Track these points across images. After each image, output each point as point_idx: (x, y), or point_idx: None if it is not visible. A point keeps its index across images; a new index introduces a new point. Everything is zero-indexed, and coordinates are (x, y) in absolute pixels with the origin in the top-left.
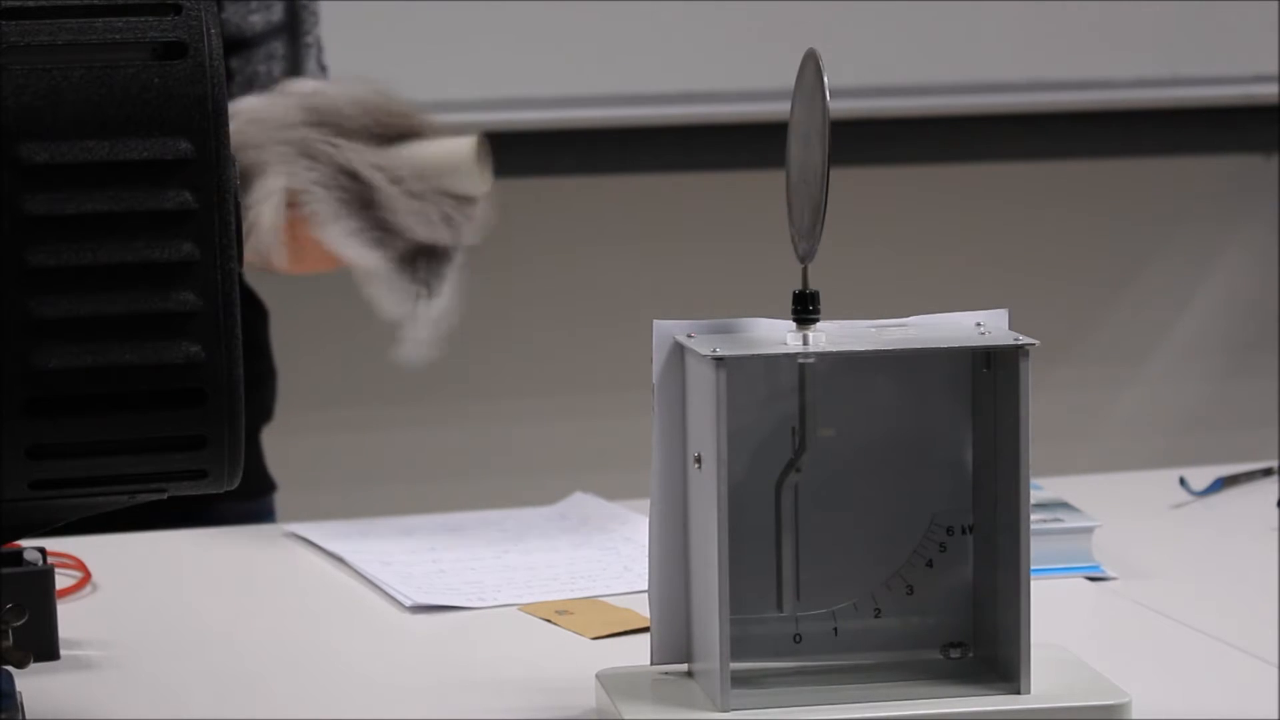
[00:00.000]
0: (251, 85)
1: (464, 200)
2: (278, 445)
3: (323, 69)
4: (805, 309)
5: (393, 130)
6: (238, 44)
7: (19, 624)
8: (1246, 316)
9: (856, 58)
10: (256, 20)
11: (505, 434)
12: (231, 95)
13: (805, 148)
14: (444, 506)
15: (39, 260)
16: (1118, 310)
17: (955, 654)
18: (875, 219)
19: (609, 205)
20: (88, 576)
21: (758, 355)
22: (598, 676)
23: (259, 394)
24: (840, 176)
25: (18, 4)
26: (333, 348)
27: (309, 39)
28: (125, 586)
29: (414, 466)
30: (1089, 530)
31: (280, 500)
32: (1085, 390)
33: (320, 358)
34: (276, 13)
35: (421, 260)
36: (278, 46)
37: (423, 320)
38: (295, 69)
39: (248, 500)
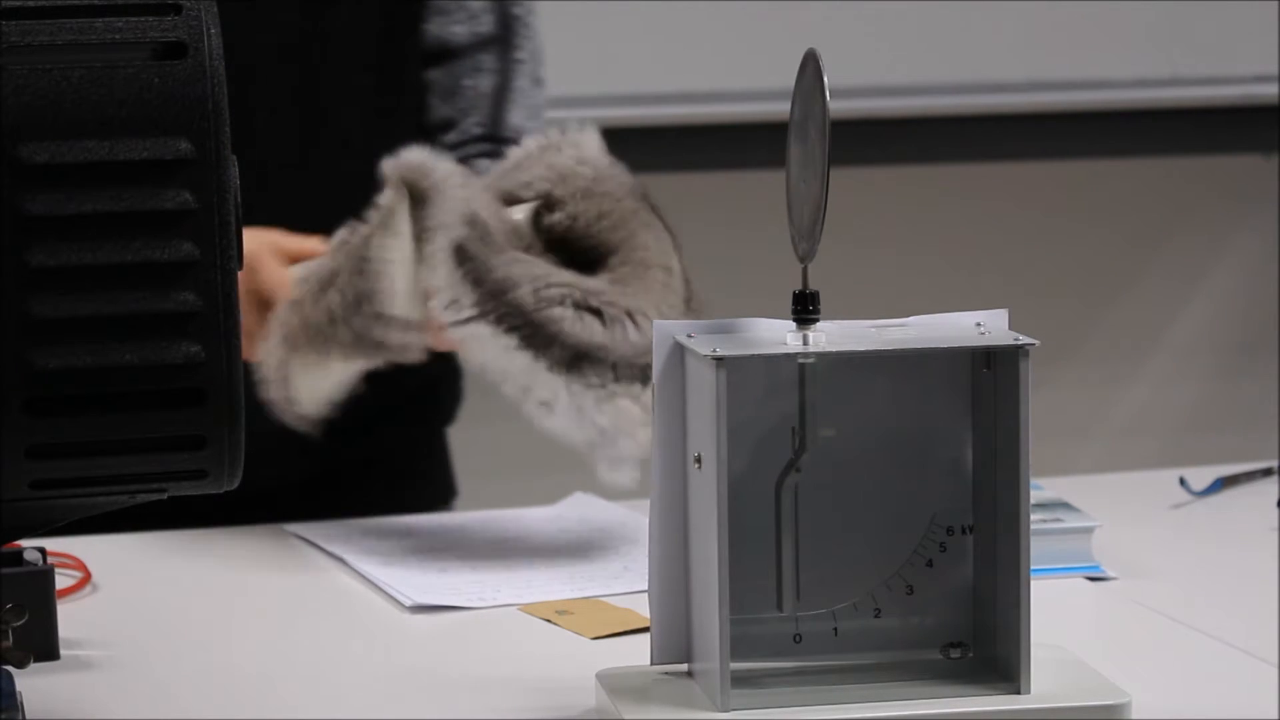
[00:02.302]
0: (454, 97)
1: None
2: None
3: (537, 83)
4: (805, 309)
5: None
6: (440, 55)
7: (19, 624)
8: (1246, 316)
9: (856, 58)
10: (460, 31)
11: (506, 434)
12: (431, 107)
13: (805, 148)
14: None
15: (39, 260)
16: (1118, 310)
17: (955, 654)
18: (875, 219)
19: None
20: (88, 576)
21: (758, 355)
22: (598, 676)
23: (447, 393)
24: (840, 176)
25: (18, 4)
26: None
27: (521, 54)
28: (125, 586)
29: None
30: (1089, 530)
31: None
32: (1085, 390)
33: None
34: (485, 24)
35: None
36: (486, 59)
37: (614, 439)
38: (505, 84)
39: (432, 509)
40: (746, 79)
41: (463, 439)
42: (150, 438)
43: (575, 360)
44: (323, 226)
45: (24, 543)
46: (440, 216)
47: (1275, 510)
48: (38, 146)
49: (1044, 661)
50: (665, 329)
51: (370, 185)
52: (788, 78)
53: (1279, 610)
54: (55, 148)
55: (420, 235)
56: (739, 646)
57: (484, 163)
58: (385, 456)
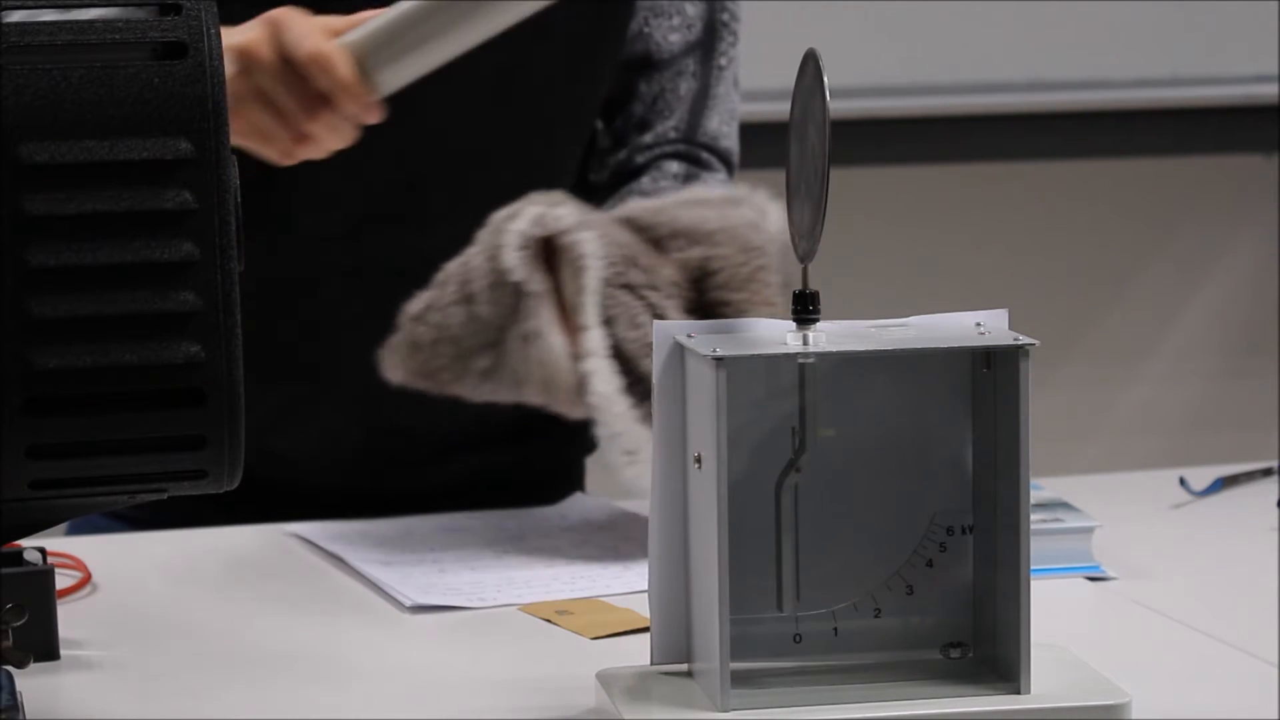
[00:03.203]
0: (654, 103)
1: None
2: None
3: (735, 87)
4: (805, 309)
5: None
6: (648, 64)
7: (19, 624)
8: (1247, 316)
9: (856, 58)
10: (676, 40)
11: None
12: (634, 114)
13: (805, 148)
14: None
15: (39, 260)
16: (1118, 310)
17: (955, 654)
18: (875, 219)
19: None
20: (88, 576)
21: (758, 355)
22: (598, 676)
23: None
24: (840, 176)
25: (18, 4)
26: None
27: (723, 60)
28: (125, 586)
29: None
30: (1089, 530)
31: None
32: (1085, 390)
33: None
34: (696, 31)
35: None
36: (689, 64)
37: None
38: (706, 89)
39: None
40: (747, 79)
41: None
42: (150, 438)
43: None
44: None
45: (24, 543)
46: (589, 250)
47: (1275, 510)
48: (38, 146)
49: (1044, 661)
50: (665, 329)
51: (563, 178)
52: (788, 78)
53: (1279, 610)
54: (55, 148)
55: (561, 291)
56: (739, 646)
57: (673, 165)
58: (521, 474)
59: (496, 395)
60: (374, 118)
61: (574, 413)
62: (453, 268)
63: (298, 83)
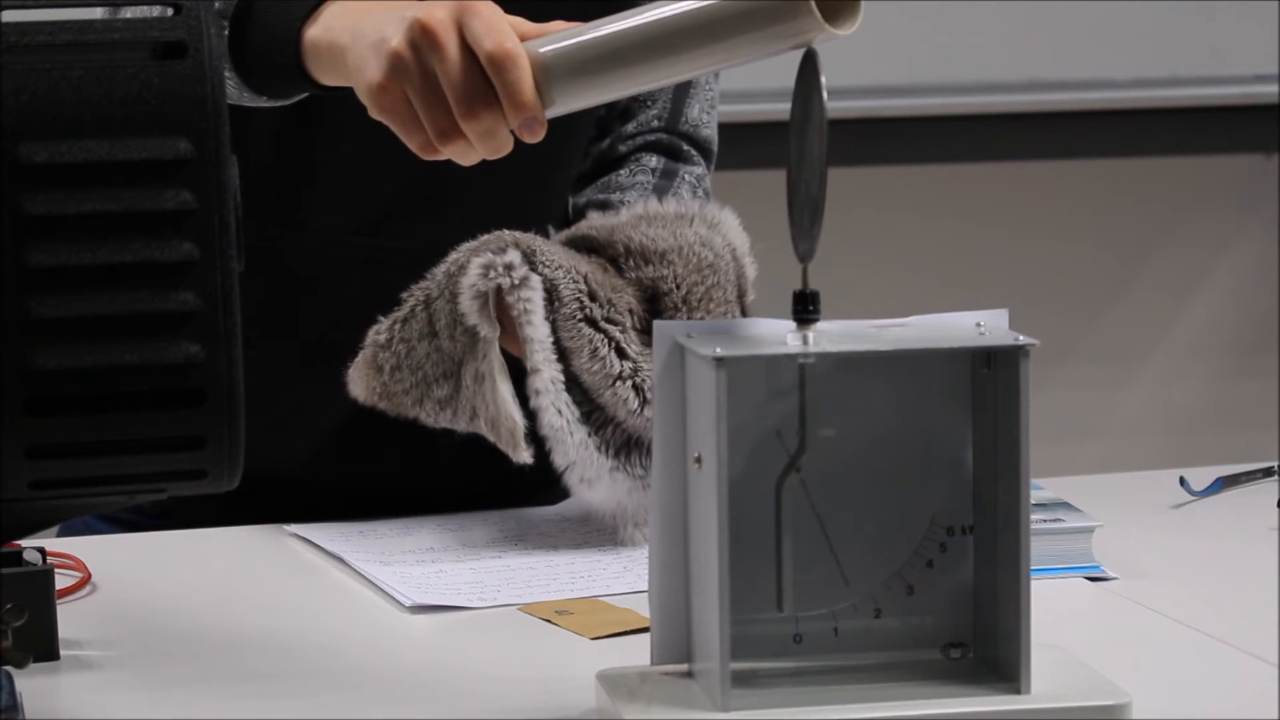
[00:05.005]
0: (628, 106)
1: None
2: None
3: (716, 77)
4: (805, 309)
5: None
6: None
7: (19, 624)
8: (1247, 316)
9: (856, 58)
10: None
11: None
12: (617, 102)
13: (805, 148)
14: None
15: (39, 260)
16: (1118, 310)
17: (955, 654)
18: (875, 219)
19: None
20: (88, 576)
21: (758, 355)
22: (598, 676)
23: None
24: (840, 176)
25: (18, 4)
26: None
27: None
28: (125, 586)
29: None
30: (1089, 530)
31: None
32: (1085, 390)
33: None
34: None
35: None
36: None
37: (639, 524)
38: (678, 105)
39: None
40: (747, 79)
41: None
42: (150, 438)
43: (626, 446)
44: (515, 223)
45: (24, 543)
46: (532, 306)
47: (1275, 510)
48: (38, 146)
49: (1044, 661)
50: (665, 329)
51: (573, 166)
52: (787, 78)
53: (1279, 610)
54: (55, 147)
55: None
56: (739, 646)
57: (652, 159)
58: (521, 474)
59: (454, 424)
60: (534, 137)
61: (515, 456)
62: (417, 295)
63: (469, 76)
